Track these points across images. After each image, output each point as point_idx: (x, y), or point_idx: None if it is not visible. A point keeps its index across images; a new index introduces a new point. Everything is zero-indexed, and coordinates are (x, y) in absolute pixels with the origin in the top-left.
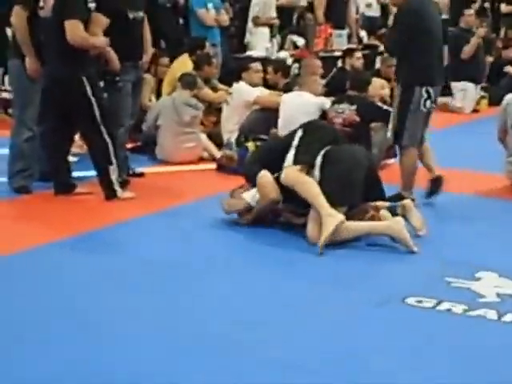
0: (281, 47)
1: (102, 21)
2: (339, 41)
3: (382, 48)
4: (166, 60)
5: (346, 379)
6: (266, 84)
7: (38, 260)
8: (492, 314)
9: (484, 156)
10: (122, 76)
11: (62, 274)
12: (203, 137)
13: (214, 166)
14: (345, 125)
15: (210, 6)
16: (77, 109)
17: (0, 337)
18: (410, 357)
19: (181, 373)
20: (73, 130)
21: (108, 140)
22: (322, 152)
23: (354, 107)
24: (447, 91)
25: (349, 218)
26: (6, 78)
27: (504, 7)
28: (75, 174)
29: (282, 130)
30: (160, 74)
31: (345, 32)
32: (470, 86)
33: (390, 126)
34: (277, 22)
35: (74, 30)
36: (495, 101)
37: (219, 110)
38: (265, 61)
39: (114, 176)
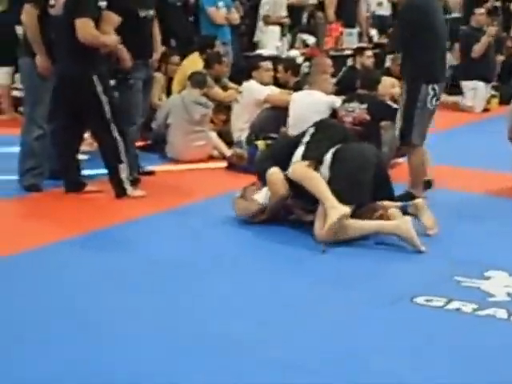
0: (291, 46)
1: (113, 19)
2: (350, 39)
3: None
4: (176, 58)
5: (347, 379)
6: (277, 83)
7: (48, 258)
8: (502, 313)
9: (494, 155)
10: (134, 74)
11: (65, 273)
12: (213, 135)
13: (224, 164)
14: (355, 123)
15: (220, 4)
16: (87, 107)
17: (0, 337)
18: (415, 356)
19: (181, 373)
20: (83, 128)
21: (118, 138)
22: (332, 150)
23: (364, 106)
24: (458, 90)
25: (357, 216)
26: (17, 77)
27: None
28: (85, 172)
29: (292, 128)
30: (170, 73)
31: (355, 31)
32: (480, 84)
33: (397, 124)
34: (287, 20)
35: (84, 28)
36: (506, 100)
37: (229, 109)
38: (275, 59)
39: (124, 174)
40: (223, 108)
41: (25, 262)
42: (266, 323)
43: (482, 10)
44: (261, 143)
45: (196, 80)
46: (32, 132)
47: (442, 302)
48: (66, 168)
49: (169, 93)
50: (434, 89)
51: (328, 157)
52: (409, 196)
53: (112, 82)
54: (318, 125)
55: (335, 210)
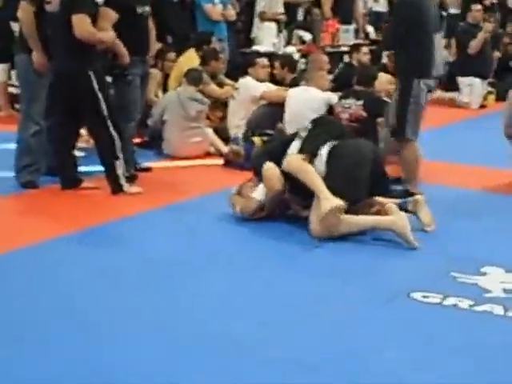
0: (288, 42)
1: (111, 15)
2: (346, 36)
3: None
4: (172, 55)
5: (347, 379)
6: (273, 79)
7: (44, 255)
8: (498, 310)
9: (491, 151)
10: (131, 70)
11: (63, 270)
12: (210, 132)
13: (220, 161)
14: (351, 120)
15: (216, 0)
16: (83, 103)
17: (0, 337)
18: (414, 355)
19: (181, 373)
20: (79, 124)
21: (114, 135)
22: (329, 146)
23: (360, 102)
24: (454, 86)
25: (353, 212)
26: (13, 73)
27: None
28: (82, 168)
29: (289, 125)
30: (166, 69)
31: (352, 27)
32: (476, 81)
33: (391, 120)
34: (283, 17)
35: (81, 24)
36: (502, 96)
37: (225, 105)
38: (272, 56)
39: (120, 171)
40: (219, 105)
41: (22, 258)
42: (264, 323)
43: (479, 7)
44: (257, 140)
45: (192, 77)
46: (28, 128)
47: (439, 299)
48: (62, 164)
49: (165, 89)
50: (426, 84)
51: (324, 153)
52: (406, 193)
53: (108, 79)
54: (316, 121)
55: (328, 201)
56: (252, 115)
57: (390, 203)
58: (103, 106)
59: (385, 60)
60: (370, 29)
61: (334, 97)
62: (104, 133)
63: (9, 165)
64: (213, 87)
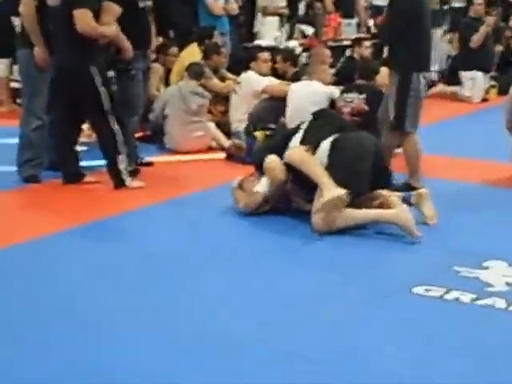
0: (290, 36)
1: (114, 10)
2: (348, 30)
3: None
4: (174, 49)
5: (347, 378)
6: (275, 73)
7: (46, 250)
8: (501, 303)
9: (492, 145)
10: (134, 64)
11: (63, 266)
12: (212, 126)
13: (222, 155)
14: (353, 114)
15: None
16: (85, 98)
17: (0, 337)
18: (415, 353)
19: (181, 373)
20: (81, 119)
21: (117, 129)
22: (330, 139)
23: (362, 96)
24: (456, 80)
25: (355, 205)
26: (15, 68)
27: None
28: (84, 163)
29: (291, 119)
30: (169, 64)
31: (354, 21)
32: (478, 75)
33: (390, 113)
34: (286, 11)
35: (83, 19)
36: (504, 90)
37: (227, 100)
38: (274, 50)
39: (122, 165)
40: (221, 99)
41: (23, 253)
42: (264, 323)
43: (481, 0)
44: (259, 134)
45: (193, 71)
46: (30, 123)
47: (441, 292)
48: (64, 159)
49: (167, 84)
50: (424, 77)
51: (326, 146)
52: (407, 186)
53: (111, 73)
54: (317, 114)
55: (330, 191)
56: (254, 109)
57: (393, 196)
58: (105, 100)
59: (386, 54)
60: (372, 23)
61: (336, 91)
62: (106, 127)
63: (11, 159)
64: (214, 81)
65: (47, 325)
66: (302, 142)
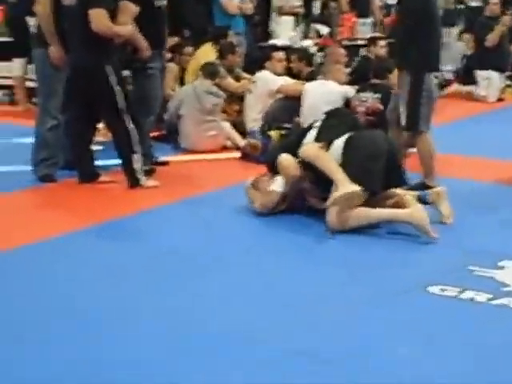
0: (305, 36)
1: (131, 9)
2: (363, 29)
3: None
4: (189, 49)
5: (348, 378)
6: (290, 73)
7: (60, 249)
8: None
9: (508, 145)
10: (152, 64)
11: (66, 267)
12: (227, 125)
13: (237, 154)
14: (368, 113)
15: None
16: (100, 97)
17: (0, 337)
18: (429, 349)
19: (181, 373)
20: (97, 118)
21: (131, 129)
22: (344, 137)
23: (377, 95)
24: (472, 80)
25: (370, 204)
26: (31, 67)
27: None
28: (99, 162)
29: (306, 118)
30: (183, 63)
31: (369, 20)
32: (494, 74)
33: (403, 114)
34: (301, 10)
35: (98, 18)
36: None
37: (242, 99)
38: (289, 49)
39: (137, 164)
40: (236, 98)
41: (38, 252)
42: (264, 323)
43: (496, 0)
44: (274, 133)
45: (208, 71)
46: (46, 123)
47: (456, 292)
48: (79, 158)
49: (182, 83)
50: (436, 77)
51: (340, 144)
52: (423, 185)
53: (126, 73)
54: (330, 113)
55: (344, 187)
56: (269, 109)
57: (409, 195)
58: (120, 99)
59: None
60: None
61: (351, 90)
62: (121, 127)
63: (26, 159)
64: (229, 81)
65: (47, 325)
66: (316, 140)
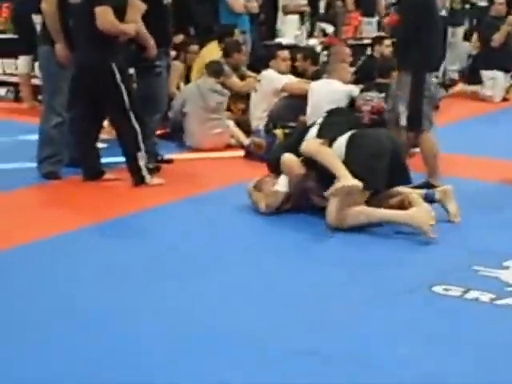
0: (310, 34)
1: (139, 6)
2: (368, 28)
3: None
4: (195, 47)
5: (348, 378)
6: (295, 71)
7: (63, 247)
8: None
9: None
10: (159, 62)
11: (67, 266)
12: (231, 124)
13: (241, 153)
14: (373, 112)
15: None
16: (106, 95)
17: (0, 337)
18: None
19: (181, 373)
20: (102, 116)
21: (136, 126)
22: (348, 134)
23: (382, 95)
24: (477, 79)
25: (374, 203)
26: (37, 65)
27: None
28: (104, 160)
29: (311, 117)
30: (189, 61)
31: (374, 20)
32: (499, 74)
33: (404, 114)
34: (306, 9)
35: (104, 16)
36: None
37: (247, 97)
38: (294, 48)
39: (142, 162)
40: (241, 97)
41: (42, 250)
42: (264, 322)
43: (502, 0)
44: (279, 132)
45: (212, 69)
46: (50, 120)
47: (461, 292)
48: (84, 156)
49: (188, 81)
50: (436, 77)
51: (343, 141)
52: (428, 185)
53: (132, 71)
54: (332, 111)
55: (346, 180)
56: (274, 107)
57: (415, 193)
58: (125, 97)
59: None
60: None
61: (355, 89)
62: (126, 125)
63: (31, 156)
64: (234, 80)
65: (47, 325)
66: (318, 136)
